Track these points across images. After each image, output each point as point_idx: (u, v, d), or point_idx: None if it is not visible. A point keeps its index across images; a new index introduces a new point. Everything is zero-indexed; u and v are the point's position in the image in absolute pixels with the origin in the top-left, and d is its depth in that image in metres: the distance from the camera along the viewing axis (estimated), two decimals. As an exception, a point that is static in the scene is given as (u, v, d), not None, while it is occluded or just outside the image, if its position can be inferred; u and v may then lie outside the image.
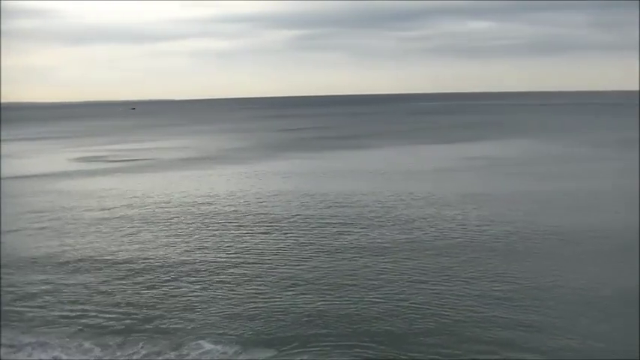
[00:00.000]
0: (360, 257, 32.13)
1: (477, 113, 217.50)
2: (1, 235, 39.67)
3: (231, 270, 30.72)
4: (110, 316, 25.03)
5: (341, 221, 40.16)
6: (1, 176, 68.02)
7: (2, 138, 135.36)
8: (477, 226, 38.36)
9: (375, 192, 50.66)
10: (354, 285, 27.88)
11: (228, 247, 35.09)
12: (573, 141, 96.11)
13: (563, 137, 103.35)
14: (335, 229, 38.09)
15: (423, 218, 40.78)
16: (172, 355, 21.44)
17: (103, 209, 47.20)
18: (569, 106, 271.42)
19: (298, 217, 42.04)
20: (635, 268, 29.21)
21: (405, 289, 27.19)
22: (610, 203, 45.55)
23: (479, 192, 50.48)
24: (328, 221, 40.25)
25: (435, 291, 26.83)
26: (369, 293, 26.77)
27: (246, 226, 40.06)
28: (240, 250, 34.37)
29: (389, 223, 39.34)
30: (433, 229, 37.77)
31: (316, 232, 37.60)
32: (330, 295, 26.75)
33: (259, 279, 29.19)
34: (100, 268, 31.57)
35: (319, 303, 25.76)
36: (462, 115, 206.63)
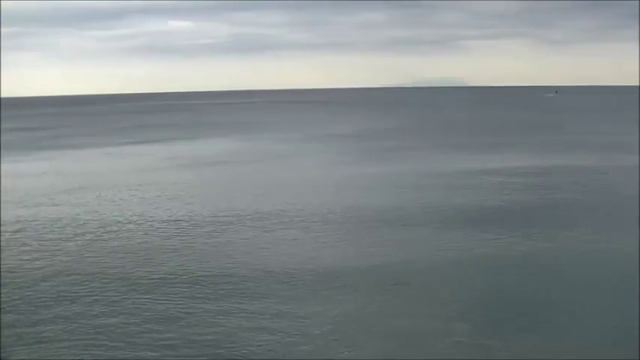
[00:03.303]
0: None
1: (180, 112, 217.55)
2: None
3: None
4: None
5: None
6: None
7: None
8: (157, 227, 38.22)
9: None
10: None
11: None
12: (274, 138, 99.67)
13: (265, 135, 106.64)
14: None
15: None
16: None
17: None
18: (271, 104, 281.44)
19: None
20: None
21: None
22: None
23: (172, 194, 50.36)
24: None
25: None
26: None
27: None
28: None
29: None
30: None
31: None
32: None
33: None
34: None
35: None
36: (165, 114, 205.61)
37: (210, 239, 35.74)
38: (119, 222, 40.40)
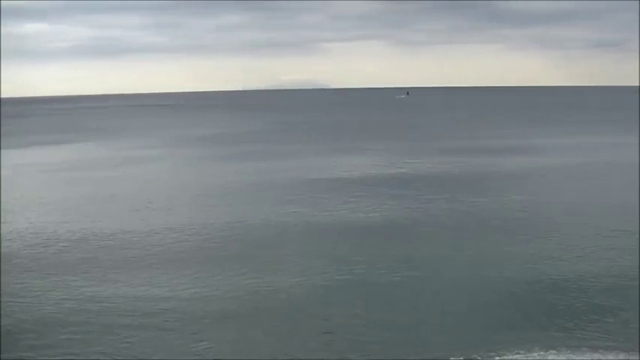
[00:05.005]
0: None
1: (37, 118, 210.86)
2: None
3: None
4: None
5: None
6: None
7: None
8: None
9: None
10: None
11: None
12: (130, 143, 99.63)
13: (122, 140, 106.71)
14: None
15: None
16: None
17: None
18: (131, 108, 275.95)
19: None
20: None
21: None
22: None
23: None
24: None
25: None
26: None
27: None
28: None
29: None
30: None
31: None
32: None
33: None
34: None
35: None
36: (20, 119, 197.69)
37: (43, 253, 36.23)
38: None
